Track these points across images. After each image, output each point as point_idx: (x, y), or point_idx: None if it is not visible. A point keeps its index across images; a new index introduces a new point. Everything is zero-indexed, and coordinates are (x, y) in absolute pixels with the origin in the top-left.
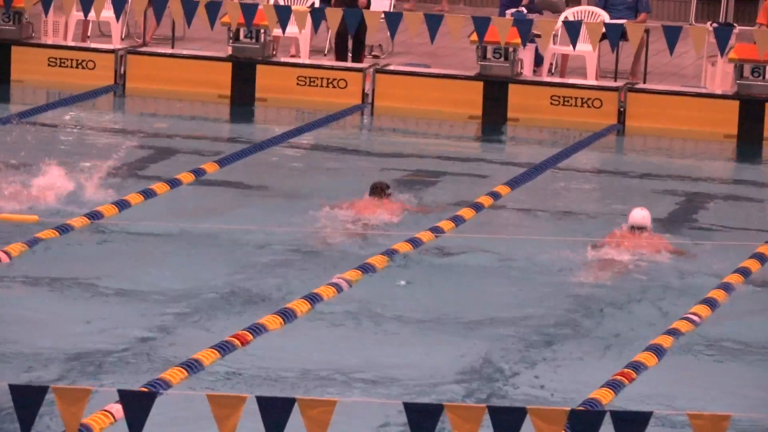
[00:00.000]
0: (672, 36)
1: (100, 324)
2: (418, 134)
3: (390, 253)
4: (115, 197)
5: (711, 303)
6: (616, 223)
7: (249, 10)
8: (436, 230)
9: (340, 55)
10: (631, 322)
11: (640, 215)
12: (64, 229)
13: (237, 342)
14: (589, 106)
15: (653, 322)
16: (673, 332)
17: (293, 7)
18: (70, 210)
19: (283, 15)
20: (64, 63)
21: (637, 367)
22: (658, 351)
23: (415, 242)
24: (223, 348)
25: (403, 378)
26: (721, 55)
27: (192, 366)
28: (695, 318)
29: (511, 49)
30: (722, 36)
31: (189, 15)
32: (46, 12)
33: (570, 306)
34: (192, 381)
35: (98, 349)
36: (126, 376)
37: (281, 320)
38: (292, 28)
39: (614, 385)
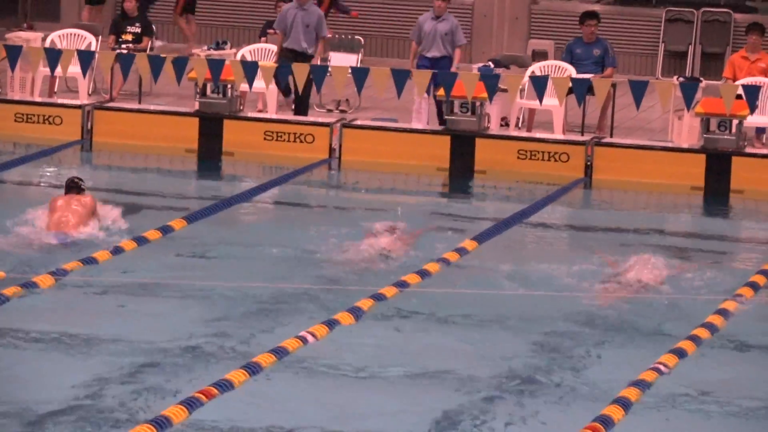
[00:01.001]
0: (638, 91)
1: (66, 378)
2: (385, 189)
3: (354, 311)
4: (83, 254)
5: (679, 353)
6: (584, 277)
7: (216, 66)
8: (401, 284)
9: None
10: (599, 373)
11: None
12: (29, 285)
13: (203, 397)
14: (556, 160)
15: (621, 373)
16: (640, 383)
17: (260, 63)
18: (36, 266)
19: (250, 71)
20: (31, 118)
21: (605, 421)
22: (624, 404)
23: (378, 297)
24: (190, 404)
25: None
26: (688, 109)
27: (160, 423)
28: (662, 368)
29: (478, 104)
30: (688, 91)
31: (156, 71)
32: (13, 68)
33: (539, 359)
34: None
35: (63, 404)
36: None
37: (247, 374)
38: (259, 83)
39: None
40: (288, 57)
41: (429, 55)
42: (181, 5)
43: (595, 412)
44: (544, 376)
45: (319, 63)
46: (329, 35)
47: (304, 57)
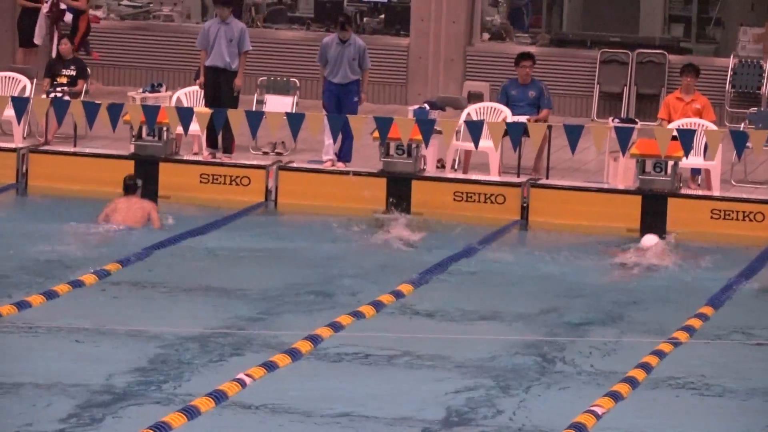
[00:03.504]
0: (573, 135)
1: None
2: (321, 232)
3: (291, 353)
4: (17, 298)
5: (615, 396)
6: (520, 318)
7: (151, 112)
8: (335, 326)
9: (212, 145)
10: (533, 416)
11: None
12: None
13: None
14: (492, 202)
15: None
16: (577, 427)
17: (195, 110)
18: None
19: (185, 117)
20: None
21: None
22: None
23: (314, 339)
24: None
25: None
26: (623, 153)
27: None
28: (598, 411)
29: (414, 146)
30: (623, 135)
31: (90, 117)
32: None
33: (477, 400)
34: None
35: None
36: None
37: (185, 418)
38: (194, 126)
39: None
40: (211, 76)
41: (335, 80)
42: (78, 41)
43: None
44: (480, 418)
45: (240, 81)
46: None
47: (226, 73)
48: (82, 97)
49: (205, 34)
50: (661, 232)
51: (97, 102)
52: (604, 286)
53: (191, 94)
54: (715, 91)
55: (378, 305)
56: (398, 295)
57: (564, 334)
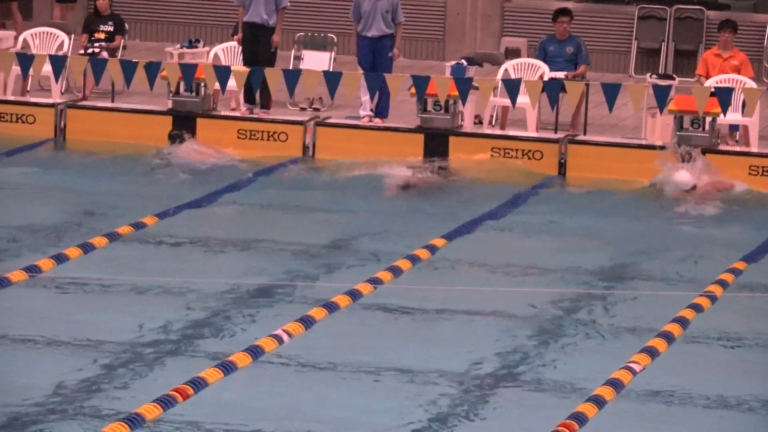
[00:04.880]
0: (611, 93)
1: (40, 377)
2: (358, 186)
3: (329, 306)
4: (54, 251)
5: (651, 351)
6: (558, 276)
7: (188, 70)
8: (375, 281)
9: (249, 101)
10: (572, 371)
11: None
12: (1, 282)
13: (178, 396)
14: (529, 158)
15: (594, 370)
16: (614, 382)
17: (232, 68)
18: (7, 264)
19: (222, 75)
20: (3, 117)
21: (579, 418)
22: (598, 401)
23: (353, 294)
24: (165, 402)
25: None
26: (660, 112)
27: (133, 420)
28: (635, 367)
29: (451, 101)
30: (661, 92)
31: (128, 76)
32: None
33: (512, 355)
34: None
35: (40, 403)
36: (68, 430)
37: (221, 373)
38: (232, 82)
39: None
40: (249, 32)
41: (369, 34)
42: None
43: (570, 409)
44: (519, 373)
45: (278, 37)
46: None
47: (264, 30)
48: (119, 53)
49: None
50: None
51: (134, 61)
52: (641, 240)
53: (229, 50)
54: (754, 47)
55: (414, 259)
56: (433, 249)
57: (600, 288)
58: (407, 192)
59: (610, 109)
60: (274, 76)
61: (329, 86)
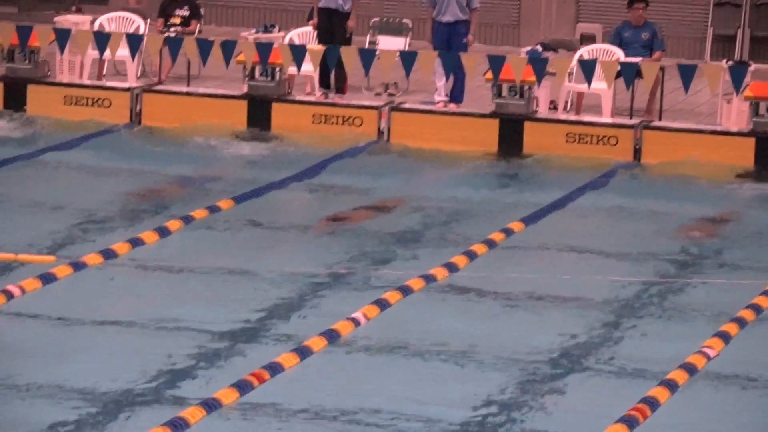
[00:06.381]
0: (687, 75)
1: (114, 362)
2: (433, 171)
3: (404, 290)
4: (129, 235)
5: (724, 336)
6: (632, 262)
7: (264, 50)
8: (450, 266)
9: (324, 86)
10: (645, 356)
11: None
12: (78, 266)
13: (254, 380)
14: (604, 144)
15: (667, 355)
16: (688, 367)
17: (308, 47)
18: (85, 248)
19: (298, 54)
20: (79, 101)
21: (652, 402)
22: (671, 386)
23: (428, 278)
24: (241, 386)
25: (419, 413)
26: (737, 93)
27: (210, 405)
28: (709, 352)
29: (526, 87)
30: (737, 75)
31: (204, 55)
32: (62, 51)
33: (586, 339)
34: (210, 419)
35: (115, 388)
36: (144, 414)
37: (297, 358)
38: (307, 66)
39: (629, 421)
40: (324, 17)
41: (444, 20)
42: None
43: (642, 392)
44: (592, 356)
45: (353, 22)
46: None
47: (339, 15)
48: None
49: None
50: None
51: (210, 39)
52: (717, 225)
53: (304, 35)
54: None
55: (490, 243)
56: (509, 233)
57: (675, 274)
58: (336, 224)
59: (686, 90)
60: (349, 56)
61: (405, 66)
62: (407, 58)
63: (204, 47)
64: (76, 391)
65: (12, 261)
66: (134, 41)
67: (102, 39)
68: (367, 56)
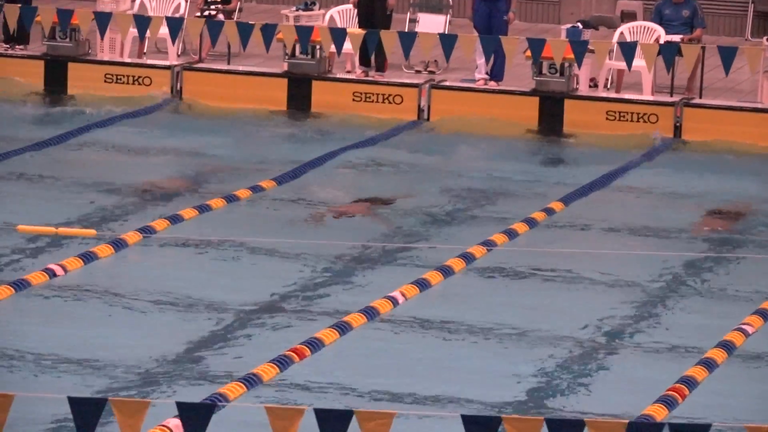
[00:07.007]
0: (727, 56)
1: (156, 338)
2: (474, 149)
3: (444, 270)
4: (170, 212)
5: (764, 314)
6: (672, 239)
7: (304, 32)
8: (489, 244)
9: (364, 64)
10: (685, 333)
11: None
12: (118, 244)
13: (294, 356)
14: (645, 121)
15: (708, 333)
16: (726, 345)
17: (348, 30)
18: (125, 224)
19: (338, 38)
20: (120, 79)
21: (689, 382)
22: (709, 365)
23: (467, 257)
24: (281, 362)
25: (460, 390)
26: None
27: (250, 380)
28: (748, 329)
29: (566, 65)
30: None
31: (244, 38)
32: (102, 34)
33: (626, 317)
34: (250, 395)
35: (155, 363)
36: (183, 389)
37: (338, 333)
38: (347, 44)
39: (667, 401)
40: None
41: None
42: None
43: (681, 371)
44: (635, 334)
45: (394, 0)
46: None
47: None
48: (235, 15)
49: None
50: None
51: (250, 23)
52: (758, 203)
53: (344, 13)
54: None
55: (531, 222)
56: (550, 212)
57: (716, 251)
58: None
59: (727, 72)
60: (389, 39)
61: (445, 49)
62: (447, 41)
63: (244, 30)
64: (114, 364)
65: (53, 235)
66: (174, 24)
67: (142, 22)
68: (407, 39)
